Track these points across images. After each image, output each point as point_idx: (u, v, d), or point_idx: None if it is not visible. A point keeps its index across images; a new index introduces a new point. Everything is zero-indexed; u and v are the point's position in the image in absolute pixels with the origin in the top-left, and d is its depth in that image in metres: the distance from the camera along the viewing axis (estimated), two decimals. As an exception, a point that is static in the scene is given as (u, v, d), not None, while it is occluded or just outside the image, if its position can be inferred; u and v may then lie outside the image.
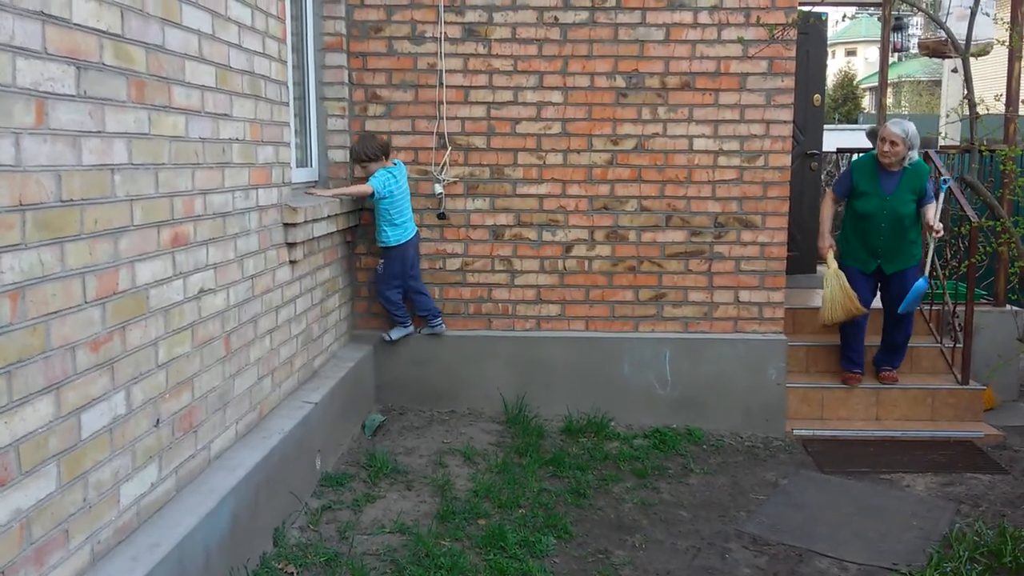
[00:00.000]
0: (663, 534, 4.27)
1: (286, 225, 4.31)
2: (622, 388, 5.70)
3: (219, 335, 3.53)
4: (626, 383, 5.70)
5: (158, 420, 3.02)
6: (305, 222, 4.42)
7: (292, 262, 4.44)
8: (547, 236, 5.73)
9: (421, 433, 5.44)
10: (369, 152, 5.28)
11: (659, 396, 5.70)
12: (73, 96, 2.48)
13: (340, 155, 5.62)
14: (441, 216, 5.72)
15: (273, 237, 4.16)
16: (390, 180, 5.30)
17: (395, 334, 5.70)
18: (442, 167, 5.66)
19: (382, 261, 5.50)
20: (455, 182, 5.70)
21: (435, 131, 5.64)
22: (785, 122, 5.65)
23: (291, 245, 4.39)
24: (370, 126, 5.66)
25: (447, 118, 5.64)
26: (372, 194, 5.24)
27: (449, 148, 5.65)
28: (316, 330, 4.94)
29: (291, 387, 4.51)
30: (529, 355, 5.74)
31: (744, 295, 5.74)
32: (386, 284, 5.52)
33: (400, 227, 5.42)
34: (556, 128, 5.64)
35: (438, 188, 5.66)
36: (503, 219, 5.73)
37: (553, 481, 4.79)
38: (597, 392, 5.69)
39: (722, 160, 5.66)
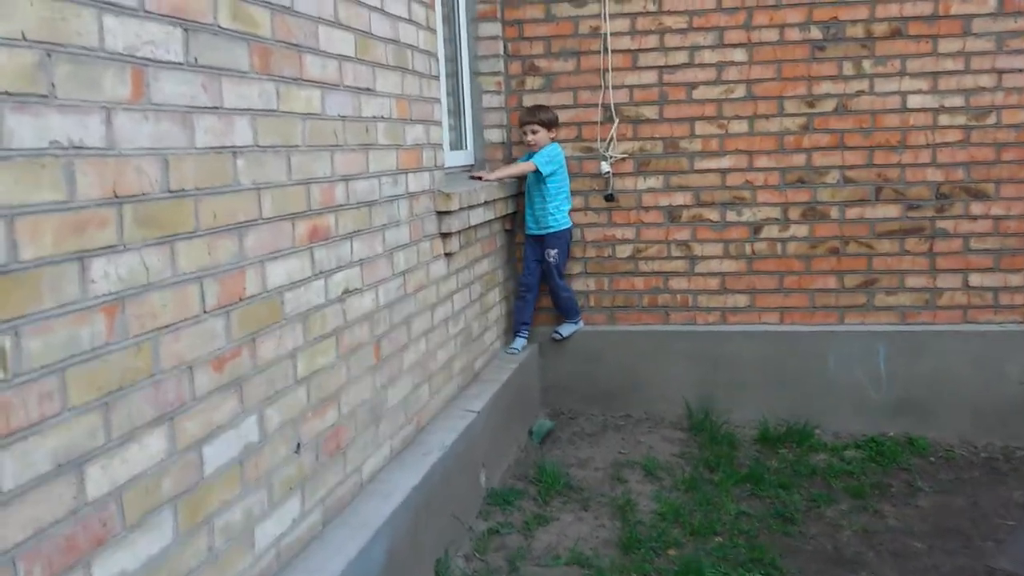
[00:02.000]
0: (894, 571, 3.50)
1: (439, 213, 3.83)
2: (826, 389, 4.90)
3: (368, 341, 3.08)
4: (831, 384, 4.90)
5: (299, 444, 2.58)
6: (460, 209, 3.93)
7: (448, 254, 3.96)
8: (731, 216, 5.01)
9: (595, 441, 4.86)
10: (546, 118, 4.84)
11: (871, 399, 4.87)
12: (180, 64, 2.04)
13: (497, 135, 5.12)
14: (609, 198, 5.11)
15: (425, 227, 3.69)
16: (558, 154, 4.88)
17: (566, 330, 5.18)
18: (608, 143, 5.05)
19: (554, 250, 4.98)
20: (624, 159, 5.07)
21: (600, 103, 5.03)
22: (1021, 71, 4.66)
23: (445, 236, 3.91)
24: (528, 101, 5.12)
25: (613, 87, 5.01)
26: (536, 170, 4.79)
27: (616, 121, 5.02)
28: (476, 328, 4.46)
29: (451, 393, 4.04)
30: (714, 352, 5.04)
31: (975, 279, 4.81)
32: (560, 273, 5.05)
33: (566, 207, 5.00)
34: (739, 91, 4.90)
35: (605, 166, 5.05)
36: (679, 199, 5.05)
37: (752, 502, 4.09)
38: (796, 394, 4.93)
39: (943, 119, 4.74)
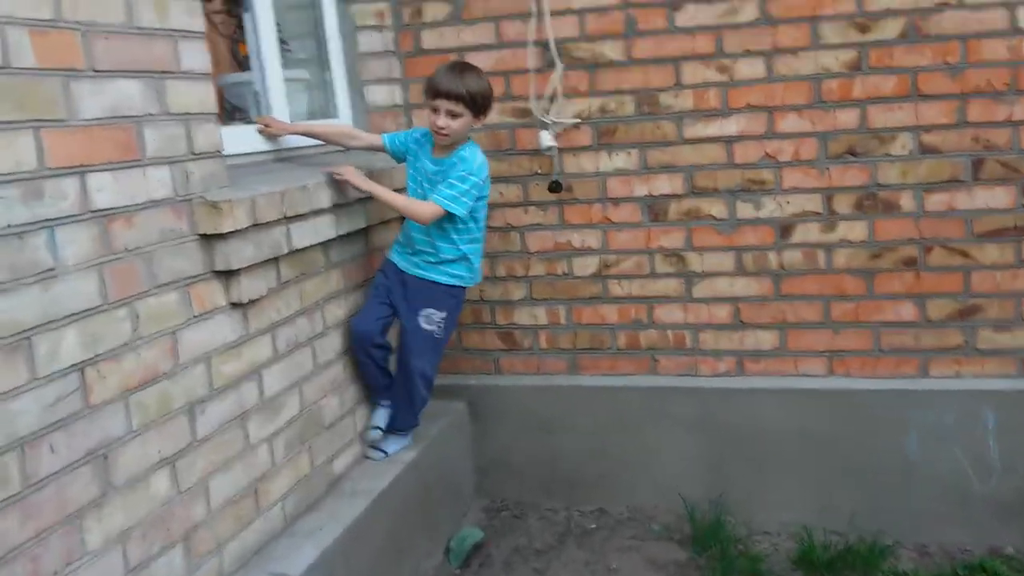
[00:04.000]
0: None
1: (205, 238, 2.11)
2: (904, 480, 3.12)
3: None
4: (911, 470, 3.11)
5: None
6: (253, 227, 2.20)
7: (236, 305, 2.24)
8: (745, 210, 3.23)
9: (547, 563, 3.14)
10: (477, 90, 2.74)
11: (976, 494, 3.07)
12: None
13: (384, 95, 3.40)
14: (555, 186, 3.34)
15: (169, 265, 1.97)
16: (480, 170, 2.80)
17: (393, 446, 3.02)
18: (550, 101, 3.28)
19: (440, 313, 2.91)
20: (576, 125, 3.30)
21: (532, 38, 3.25)
22: None
23: (225, 275, 2.19)
24: (429, 41, 3.37)
25: (553, 13, 3.23)
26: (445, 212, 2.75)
27: (560, 66, 3.25)
28: (329, 412, 2.74)
29: (255, 541, 2.33)
30: (726, 418, 3.28)
31: None
32: (435, 354, 2.99)
33: (477, 253, 2.96)
34: (748, 11, 3.11)
35: (546, 138, 3.27)
36: (664, 184, 3.28)
37: None
38: (857, 488, 3.15)
39: (1085, 41, 2.92)
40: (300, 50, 3.38)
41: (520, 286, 3.48)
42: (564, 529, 3.37)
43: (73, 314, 1.72)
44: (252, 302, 2.30)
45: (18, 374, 1.59)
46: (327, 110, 3.35)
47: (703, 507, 3.26)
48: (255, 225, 2.23)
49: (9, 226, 1.58)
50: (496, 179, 3.36)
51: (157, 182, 1.97)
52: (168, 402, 1.99)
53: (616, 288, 3.39)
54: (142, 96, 1.95)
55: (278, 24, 2.99)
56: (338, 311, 2.82)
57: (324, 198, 2.57)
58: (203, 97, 2.16)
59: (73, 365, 1.72)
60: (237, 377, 2.25)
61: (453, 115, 2.71)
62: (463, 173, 2.74)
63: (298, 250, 2.49)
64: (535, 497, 3.54)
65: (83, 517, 1.73)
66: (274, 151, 2.88)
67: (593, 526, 3.39)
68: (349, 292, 2.90)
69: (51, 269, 1.68)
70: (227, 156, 2.32)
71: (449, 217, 2.75)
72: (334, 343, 2.78)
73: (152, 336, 1.95)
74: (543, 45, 3.25)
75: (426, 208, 2.73)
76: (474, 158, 2.79)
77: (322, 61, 3.33)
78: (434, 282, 2.87)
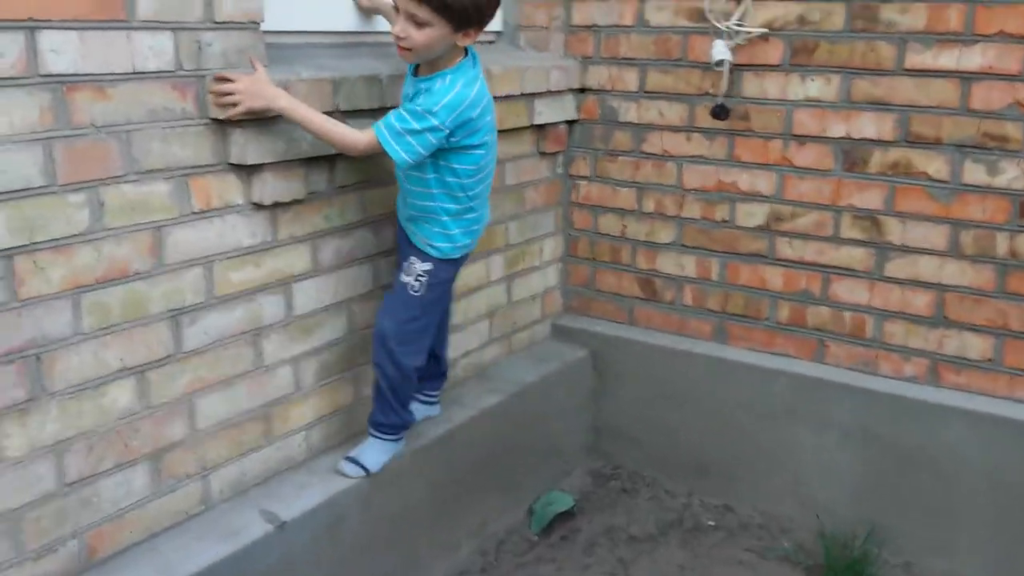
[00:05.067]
0: None
1: (218, 123, 1.82)
2: None
3: None
4: None
5: None
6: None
7: (257, 206, 1.94)
8: (974, 173, 2.41)
9: (635, 554, 2.69)
10: (473, 6, 1.88)
11: None
12: None
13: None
14: (720, 112, 2.70)
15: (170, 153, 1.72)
16: (459, 106, 1.93)
17: (371, 457, 2.21)
18: (737, 2, 2.61)
19: (424, 265, 2.11)
20: (764, 37, 2.61)
21: (724, -76, 2.59)
22: None
23: (244, 170, 1.89)
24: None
25: None
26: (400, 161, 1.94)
27: (754, -39, 2.56)
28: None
29: (259, 472, 2.09)
30: (899, 432, 2.57)
31: None
32: (404, 311, 2.13)
33: (475, 213, 2.14)
34: None
35: (720, 49, 2.63)
36: (869, 125, 2.52)
37: None
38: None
39: None
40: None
41: (669, 227, 2.90)
42: (675, 518, 2.87)
43: (1, 192, 1.49)
44: (282, 205, 1.99)
45: (-91, 255, 1.39)
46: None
47: (848, 535, 2.61)
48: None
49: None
50: (657, 95, 2.80)
51: (149, 50, 1.68)
52: (140, 306, 1.75)
53: (786, 248, 2.72)
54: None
55: None
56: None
57: (400, 93, 2.17)
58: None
59: (-1, 250, 1.50)
60: (252, 287, 1.97)
61: (416, 23, 1.85)
62: (419, 108, 1.89)
63: (360, 152, 2.12)
64: (655, 472, 3.04)
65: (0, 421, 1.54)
66: (370, 32, 2.46)
67: (711, 523, 2.85)
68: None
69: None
70: (290, 32, 1.99)
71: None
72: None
73: (123, 229, 1.69)
74: (733, -71, 2.57)
75: (359, 136, 1.91)
76: (445, 92, 1.90)
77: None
78: (409, 241, 2.15)
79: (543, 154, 2.92)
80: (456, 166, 1.99)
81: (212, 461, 1.96)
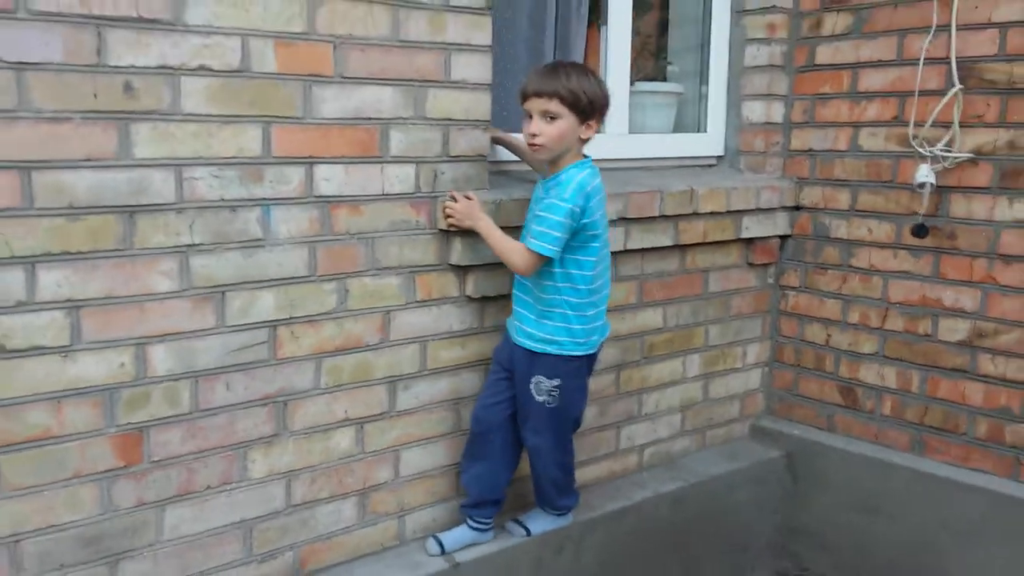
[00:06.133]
0: None
1: (444, 233, 2.31)
2: None
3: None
4: None
5: None
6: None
7: (470, 299, 2.40)
8: None
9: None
10: (581, 88, 2.14)
11: None
12: None
13: (760, 111, 3.16)
14: (920, 230, 2.77)
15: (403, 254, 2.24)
16: (587, 196, 2.16)
17: (539, 523, 2.50)
18: (948, 131, 2.70)
19: (552, 380, 2.27)
20: (973, 161, 2.68)
21: (925, 55, 2.71)
22: None
23: (461, 270, 2.36)
24: (823, 56, 3.03)
25: (959, 27, 2.65)
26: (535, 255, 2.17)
27: (958, 90, 2.65)
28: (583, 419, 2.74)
29: (448, 520, 2.48)
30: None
31: None
32: (562, 436, 2.37)
33: (596, 310, 2.30)
34: None
35: (924, 173, 2.72)
36: (1078, 250, 2.49)
37: None
38: None
39: None
40: (680, 63, 3.32)
41: (872, 339, 2.97)
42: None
43: (273, 279, 2.06)
44: (488, 298, 2.42)
45: (205, 319, 1.97)
46: (696, 124, 3.24)
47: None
48: (501, 227, 2.34)
49: (222, 199, 1.96)
50: (867, 214, 2.94)
51: (396, 179, 2.20)
52: (367, 371, 2.24)
53: (987, 364, 2.70)
54: (394, 101, 2.18)
55: (663, 39, 2.95)
56: (619, 325, 2.77)
57: (608, 210, 2.54)
58: (470, 106, 2.31)
59: (265, 321, 2.06)
60: (457, 364, 2.40)
61: (549, 117, 2.13)
62: (553, 200, 2.13)
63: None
64: (846, 580, 3.05)
65: (250, 448, 2.08)
66: (614, 159, 2.90)
67: (899, 641, 2.81)
68: (640, 308, 2.82)
69: (259, 239, 2.02)
70: (510, 161, 2.47)
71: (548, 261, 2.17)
72: (603, 355, 2.74)
73: (360, 311, 2.20)
74: (944, 64, 2.68)
75: (515, 251, 2.17)
76: (571, 178, 2.13)
77: (701, 75, 3.22)
78: (530, 351, 2.27)
79: (751, 265, 3.13)
80: (580, 258, 2.20)
81: (409, 504, 2.39)
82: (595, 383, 2.72)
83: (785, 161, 3.16)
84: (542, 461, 2.38)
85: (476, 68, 2.32)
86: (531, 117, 2.17)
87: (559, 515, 2.52)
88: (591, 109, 2.15)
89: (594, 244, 2.21)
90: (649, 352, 2.89)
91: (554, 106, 2.12)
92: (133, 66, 1.81)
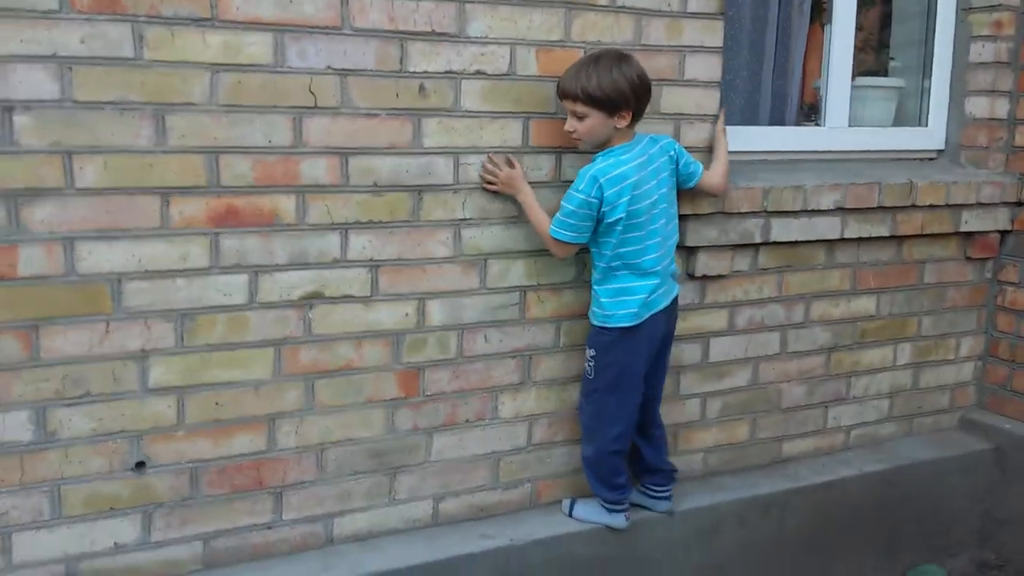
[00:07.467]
0: None
1: (680, 217, 2.58)
2: None
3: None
4: None
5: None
6: (719, 214, 2.58)
7: (691, 276, 2.67)
8: None
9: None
10: (609, 84, 2.22)
11: None
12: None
13: (983, 107, 3.19)
14: None
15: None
16: (615, 187, 2.27)
17: (584, 511, 2.57)
18: None
19: (591, 353, 2.43)
20: None
21: None
22: None
23: (689, 250, 2.63)
24: (1054, 55, 3.04)
25: None
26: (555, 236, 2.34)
27: None
28: (789, 397, 2.94)
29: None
30: None
31: None
32: (588, 400, 2.47)
33: (620, 284, 2.38)
34: None
35: None
36: None
37: None
38: None
39: None
40: (901, 59, 3.40)
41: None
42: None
43: (524, 251, 2.42)
44: (710, 277, 2.68)
45: (471, 281, 2.37)
46: (916, 118, 3.31)
47: None
48: (721, 213, 2.59)
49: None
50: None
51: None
52: (598, 335, 2.57)
53: None
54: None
55: (884, 33, 3.07)
56: (832, 310, 2.94)
57: (825, 200, 2.74)
58: (700, 101, 2.59)
59: (517, 286, 2.43)
60: (678, 337, 2.67)
61: (578, 116, 2.27)
62: (570, 190, 2.30)
63: (781, 242, 2.74)
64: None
65: (500, 392, 2.47)
66: (834, 151, 3.06)
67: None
68: (854, 295, 2.97)
69: (514, 217, 2.39)
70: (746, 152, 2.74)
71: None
72: (815, 337, 2.93)
73: (597, 282, 2.53)
74: None
75: (545, 232, 2.35)
76: (585, 171, 2.28)
77: (923, 70, 3.29)
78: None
79: (969, 259, 3.19)
80: (600, 239, 2.34)
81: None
82: (804, 363, 2.92)
83: (1008, 157, 3.18)
84: (583, 434, 2.52)
85: (707, 67, 2.58)
86: (570, 115, 2.31)
87: (607, 510, 2.52)
88: (617, 103, 2.24)
89: (616, 229, 2.29)
90: (861, 337, 3.04)
91: (580, 107, 2.25)
92: (426, 71, 2.22)
